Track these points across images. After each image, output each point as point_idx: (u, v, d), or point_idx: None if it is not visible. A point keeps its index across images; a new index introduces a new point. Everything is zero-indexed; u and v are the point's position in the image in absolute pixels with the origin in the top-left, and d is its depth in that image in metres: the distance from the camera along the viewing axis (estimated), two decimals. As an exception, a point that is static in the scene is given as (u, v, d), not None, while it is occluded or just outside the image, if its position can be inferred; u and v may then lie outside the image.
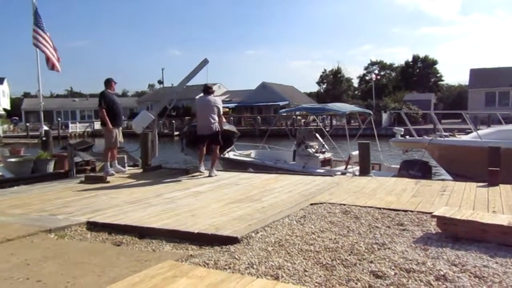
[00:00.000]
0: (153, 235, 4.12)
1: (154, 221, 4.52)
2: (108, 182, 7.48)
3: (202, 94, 8.50)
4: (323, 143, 12.36)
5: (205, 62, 9.23)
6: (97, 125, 38.14)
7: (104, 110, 8.03)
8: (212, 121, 8.06)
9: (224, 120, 8.71)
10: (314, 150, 11.63)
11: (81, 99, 65.79)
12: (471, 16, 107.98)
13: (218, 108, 8.18)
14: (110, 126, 8.07)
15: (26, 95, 76.19)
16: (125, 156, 9.57)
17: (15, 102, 63.58)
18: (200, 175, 8.18)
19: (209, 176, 7.98)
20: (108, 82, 8.40)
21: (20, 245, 3.87)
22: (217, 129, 8.11)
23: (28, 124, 43.26)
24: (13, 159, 8.23)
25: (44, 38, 10.09)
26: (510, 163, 8.12)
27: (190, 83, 9.76)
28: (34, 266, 3.29)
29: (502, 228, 3.62)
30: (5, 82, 57.87)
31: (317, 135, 12.65)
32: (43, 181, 7.74)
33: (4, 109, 53.11)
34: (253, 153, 13.39)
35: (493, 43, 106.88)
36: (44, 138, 10.05)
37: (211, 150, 8.37)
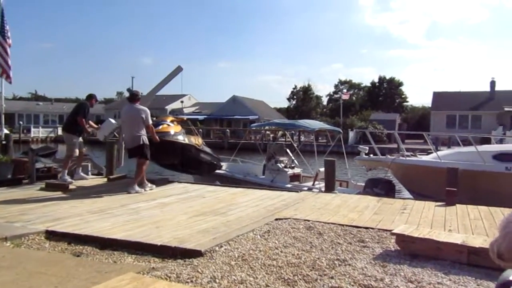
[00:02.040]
0: (115, 246, 4.04)
1: (116, 232, 4.44)
2: (71, 190, 7.28)
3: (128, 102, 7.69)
4: (293, 158, 12.55)
5: (178, 69, 9.04)
6: (60, 131, 37.06)
7: (84, 120, 8.01)
8: (136, 133, 7.39)
9: (176, 128, 8.24)
10: (283, 165, 11.80)
11: (46, 103, 63.71)
12: (436, 41, 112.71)
13: (143, 118, 7.40)
14: (97, 134, 8.15)
15: (-13, 96, 73.18)
16: (90, 164, 9.36)
17: (-26, 103, 60.98)
18: (137, 192, 7.32)
19: (127, 192, 7.17)
20: (90, 98, 8.50)
21: (-27, 253, 3.70)
22: (142, 142, 7.40)
23: (-13, 126, 41.44)
24: (-31, 163, 7.88)
25: (3, 46, 9.77)
26: (467, 183, 8.49)
27: (160, 92, 9.64)
28: (-13, 276, 3.16)
29: (456, 246, 3.78)
30: (-36, 82, 55.45)
31: (288, 150, 12.85)
32: (1, 186, 7.45)
33: (-38, 110, 50.73)
34: (224, 165, 13.42)
35: (456, 67, 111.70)
36: (4, 142, 9.69)
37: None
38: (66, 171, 8.04)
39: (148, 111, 7.56)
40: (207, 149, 9.59)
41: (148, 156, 7.58)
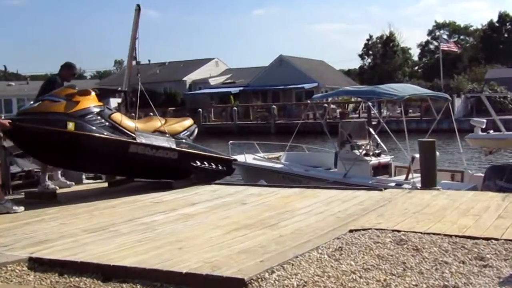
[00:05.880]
0: (123, 277, 4.15)
1: (124, 257, 4.56)
2: (60, 201, 7.55)
3: None
4: (379, 141, 12.27)
5: (136, 9, 9.19)
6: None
7: None
8: None
9: None
10: (363, 152, 11.53)
11: (20, 83, 66.50)
12: None
13: None
14: None
15: None
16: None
17: None
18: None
19: None
20: (64, 68, 8.60)
21: None
22: None
23: None
24: None
25: None
26: None
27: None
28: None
29: None
30: None
31: (371, 130, 12.50)
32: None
33: None
34: (283, 156, 13.46)
35: None
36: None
37: None
38: (46, 175, 8.27)
39: None
40: (156, 141, 8.29)
41: None
